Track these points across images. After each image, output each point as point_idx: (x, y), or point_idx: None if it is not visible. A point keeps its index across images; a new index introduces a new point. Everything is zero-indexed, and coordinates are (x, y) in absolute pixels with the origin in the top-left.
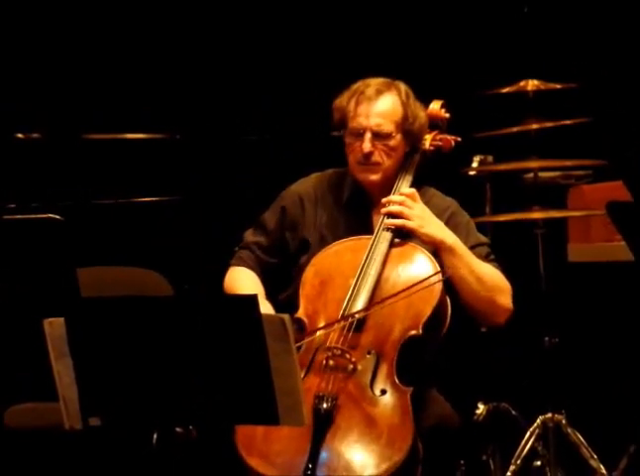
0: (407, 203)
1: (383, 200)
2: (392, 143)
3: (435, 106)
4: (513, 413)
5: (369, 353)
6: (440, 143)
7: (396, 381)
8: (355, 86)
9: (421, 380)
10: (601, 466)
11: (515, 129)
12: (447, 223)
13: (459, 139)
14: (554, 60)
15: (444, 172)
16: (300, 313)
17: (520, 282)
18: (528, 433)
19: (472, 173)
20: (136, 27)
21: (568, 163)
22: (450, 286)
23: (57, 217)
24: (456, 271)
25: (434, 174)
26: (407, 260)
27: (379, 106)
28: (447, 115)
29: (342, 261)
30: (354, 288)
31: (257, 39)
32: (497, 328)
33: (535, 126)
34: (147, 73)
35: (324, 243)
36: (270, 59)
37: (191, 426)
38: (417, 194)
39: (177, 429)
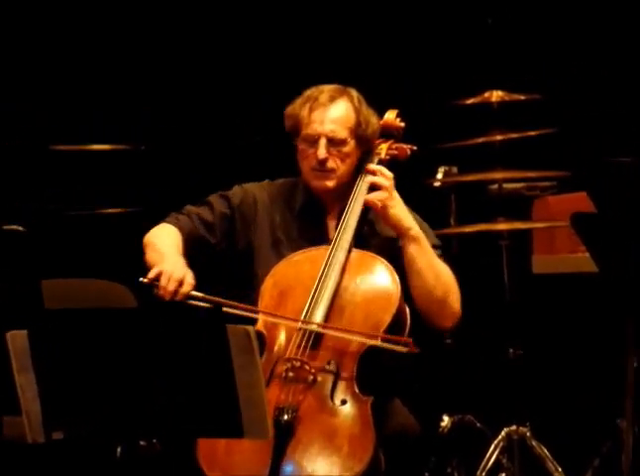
0: (391, 183)
1: (374, 167)
2: (346, 149)
3: (390, 116)
4: (478, 425)
5: (328, 364)
6: (396, 152)
7: (356, 391)
8: (307, 93)
9: (382, 389)
10: None
11: (480, 140)
12: None
13: (415, 148)
14: (518, 72)
15: (408, 183)
16: (259, 326)
17: (484, 293)
18: (493, 446)
19: (436, 184)
20: (101, 39)
21: (532, 174)
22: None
23: (21, 228)
24: (416, 262)
25: (398, 184)
26: (365, 269)
27: (333, 112)
28: (402, 124)
29: (301, 271)
30: (312, 297)
31: (221, 50)
32: (444, 332)
33: (499, 137)
34: (112, 84)
35: (278, 247)
36: (234, 68)
37: (155, 439)
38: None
39: (141, 443)
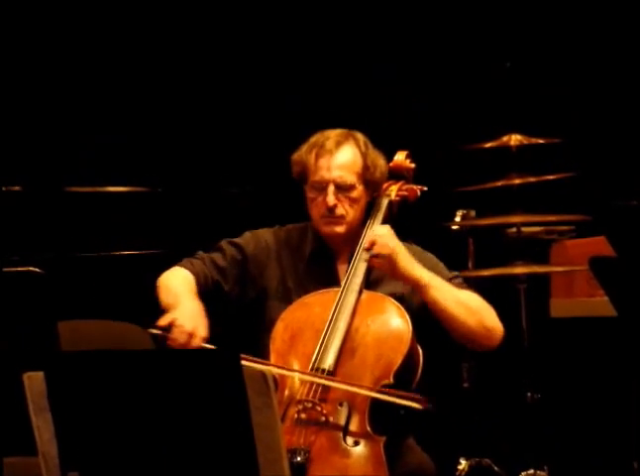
0: (389, 245)
1: (369, 236)
2: (355, 194)
3: (400, 157)
4: (495, 468)
5: (340, 405)
6: (406, 193)
7: (369, 431)
8: (313, 139)
9: (395, 429)
10: None
11: (498, 183)
12: None
13: (425, 188)
14: (537, 115)
15: (427, 225)
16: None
17: (503, 336)
18: None
19: (454, 227)
20: (114, 77)
21: (551, 218)
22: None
23: (38, 270)
24: (440, 304)
25: (415, 227)
26: (376, 310)
27: (340, 158)
28: (412, 165)
29: (312, 314)
30: (323, 340)
31: (235, 90)
32: (491, 350)
33: (518, 181)
34: (129, 127)
35: (289, 294)
36: (249, 112)
37: None
38: (392, 230)
39: None
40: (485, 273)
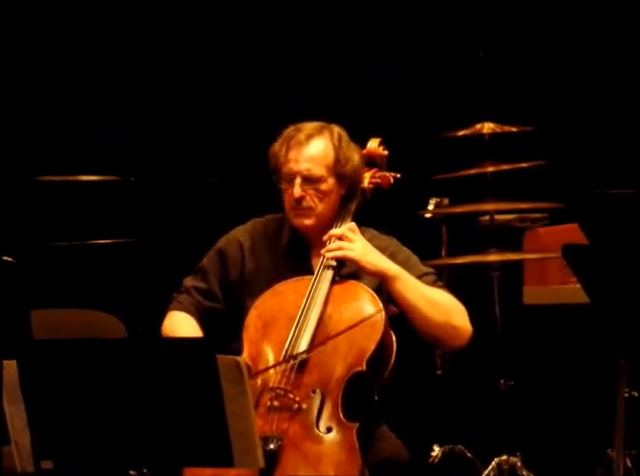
0: (347, 235)
1: (325, 238)
2: (324, 187)
3: (373, 144)
4: (468, 455)
5: (313, 392)
6: (379, 180)
7: (342, 418)
8: (286, 132)
9: (368, 416)
10: None
11: (471, 171)
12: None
13: (398, 176)
14: (509, 104)
15: (400, 214)
16: (244, 357)
17: (476, 324)
18: None
19: (427, 215)
20: (90, 65)
21: (524, 205)
22: (400, 321)
23: (10, 259)
24: (405, 298)
25: (389, 215)
26: (349, 297)
27: (309, 151)
28: (385, 152)
29: (284, 302)
30: (296, 328)
31: (212, 80)
32: (458, 350)
33: (491, 169)
34: (100, 115)
35: (264, 287)
36: (228, 100)
37: (145, 469)
38: (357, 228)
39: (131, 472)
40: (459, 260)
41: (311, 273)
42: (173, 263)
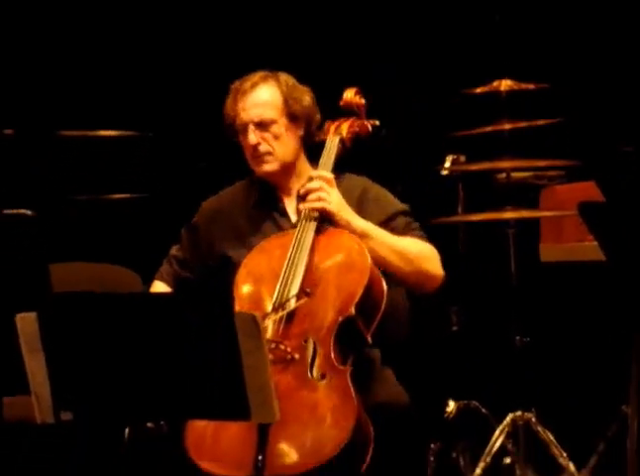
0: (325, 188)
1: (301, 191)
2: (277, 129)
3: (349, 94)
4: (483, 410)
5: (305, 341)
6: (357, 129)
7: (334, 363)
8: (233, 86)
9: (364, 358)
10: (570, 464)
11: (488, 129)
12: (359, 200)
13: (377, 123)
14: (527, 61)
15: (417, 171)
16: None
17: (492, 281)
18: (498, 431)
19: (444, 172)
20: (109, 24)
21: (540, 163)
22: None
23: (30, 213)
24: (376, 253)
25: (405, 171)
26: (335, 244)
27: (256, 97)
28: (362, 101)
29: (272, 257)
30: (283, 279)
31: (224, 37)
32: (429, 294)
33: (508, 126)
34: (120, 70)
35: (242, 237)
36: (243, 56)
37: (162, 421)
38: (334, 181)
39: (149, 424)
40: (475, 218)
41: (286, 216)
42: (191, 218)
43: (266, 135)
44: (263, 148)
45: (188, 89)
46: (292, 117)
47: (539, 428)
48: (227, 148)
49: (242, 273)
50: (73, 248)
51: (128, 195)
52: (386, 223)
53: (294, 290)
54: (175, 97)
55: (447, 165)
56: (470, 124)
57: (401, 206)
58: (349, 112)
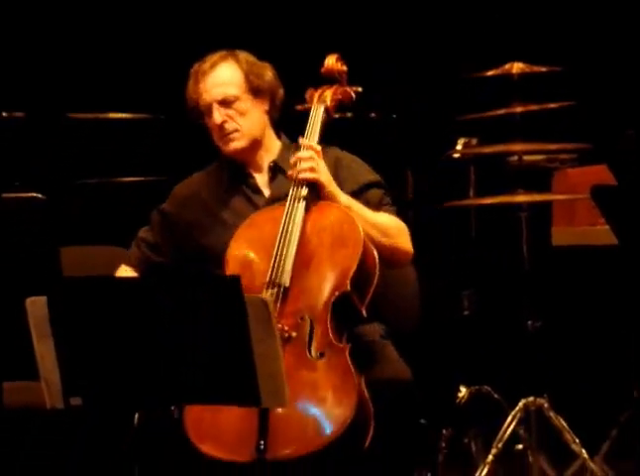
0: (315, 158)
1: (292, 160)
2: (242, 106)
3: (330, 60)
4: (495, 396)
5: (301, 319)
6: (340, 96)
7: (333, 341)
8: (192, 69)
9: (362, 333)
10: (583, 450)
11: (500, 112)
12: (335, 168)
13: (359, 89)
14: (539, 43)
15: (429, 153)
16: None
17: (504, 264)
18: (510, 417)
19: (456, 155)
20: (122, 6)
21: (552, 146)
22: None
23: (41, 196)
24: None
25: (417, 154)
26: (327, 218)
27: (217, 77)
28: (344, 67)
29: (263, 231)
30: (276, 255)
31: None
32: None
33: (520, 109)
34: (131, 52)
35: (217, 217)
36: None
37: (172, 407)
38: (317, 151)
39: (159, 410)
40: (487, 201)
41: (259, 193)
42: None
43: (231, 112)
44: (229, 125)
45: None
46: (255, 92)
47: (551, 414)
48: None
49: (232, 248)
50: (84, 232)
51: (139, 179)
52: (360, 193)
53: (288, 266)
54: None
55: (458, 148)
56: (481, 107)
57: (375, 177)
58: (331, 79)
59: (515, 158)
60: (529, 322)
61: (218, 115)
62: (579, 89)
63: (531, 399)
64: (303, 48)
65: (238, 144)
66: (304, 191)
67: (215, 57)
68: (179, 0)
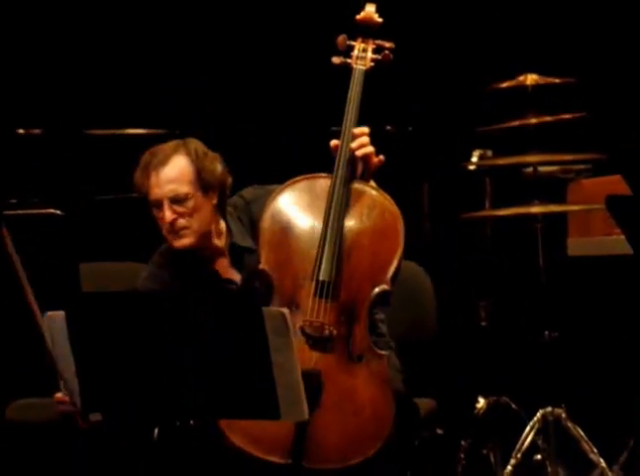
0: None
1: (356, 130)
2: (192, 203)
3: (370, 8)
4: (513, 406)
5: (342, 316)
6: (379, 57)
7: (371, 345)
8: (143, 159)
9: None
10: (601, 460)
11: (515, 123)
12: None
13: (393, 46)
14: (553, 55)
15: (444, 165)
16: (263, 265)
17: (520, 275)
18: (528, 427)
19: (471, 167)
20: (136, 24)
21: (567, 157)
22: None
23: (59, 212)
24: None
25: (433, 166)
26: (367, 203)
27: (169, 172)
28: (380, 20)
29: (301, 204)
30: (321, 246)
31: (255, 36)
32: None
33: (534, 120)
34: (147, 69)
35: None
36: (268, 55)
37: (191, 421)
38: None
39: (177, 424)
40: (503, 212)
41: (220, 279)
42: None
43: (181, 210)
44: (179, 223)
45: (216, 87)
46: (206, 189)
47: (569, 424)
48: (252, 146)
49: (267, 218)
50: (102, 247)
51: None
52: None
53: (332, 262)
54: (203, 96)
55: (474, 160)
56: (496, 119)
57: None
58: (365, 30)
59: (530, 169)
60: (546, 332)
61: (169, 213)
62: (592, 100)
63: (549, 409)
64: None
65: (187, 241)
66: (349, 167)
67: (167, 149)
68: (194, 18)
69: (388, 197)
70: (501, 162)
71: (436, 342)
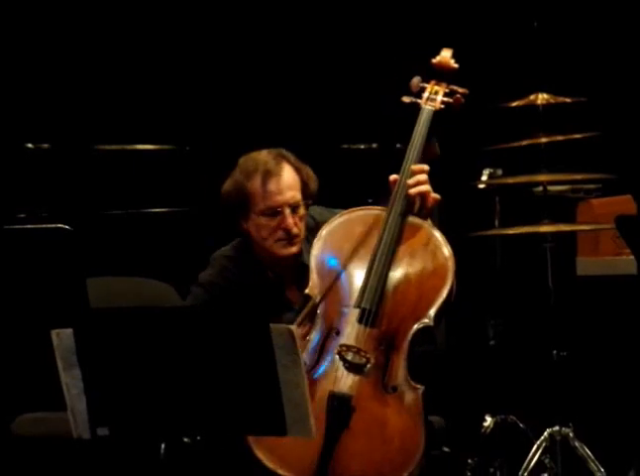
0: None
1: (415, 167)
2: (302, 211)
3: (446, 53)
4: (521, 425)
5: (381, 345)
6: (451, 100)
7: (408, 377)
8: (249, 165)
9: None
10: None
11: (525, 142)
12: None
13: (467, 92)
14: (563, 74)
15: (453, 184)
16: (310, 290)
17: (529, 295)
18: (535, 446)
19: (481, 186)
20: (146, 40)
21: (577, 176)
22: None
23: (67, 227)
24: None
25: (442, 185)
26: (419, 241)
27: (287, 180)
28: (456, 66)
29: (353, 234)
30: (368, 274)
31: (264, 49)
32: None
33: (544, 140)
34: (156, 85)
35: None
36: (278, 70)
37: (199, 437)
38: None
39: (185, 440)
40: (512, 231)
41: (289, 308)
42: (227, 232)
43: (297, 218)
44: (295, 230)
45: (225, 103)
46: (307, 196)
47: (577, 444)
48: None
49: (317, 245)
50: (111, 263)
51: (165, 210)
52: None
53: (379, 289)
54: (212, 111)
55: (484, 178)
56: (506, 138)
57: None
58: (439, 74)
59: (540, 188)
60: (554, 352)
61: (291, 220)
62: (603, 120)
63: (556, 428)
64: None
65: (296, 248)
66: (406, 204)
67: (275, 157)
68: (204, 33)
69: (442, 237)
70: (511, 181)
71: (445, 360)
